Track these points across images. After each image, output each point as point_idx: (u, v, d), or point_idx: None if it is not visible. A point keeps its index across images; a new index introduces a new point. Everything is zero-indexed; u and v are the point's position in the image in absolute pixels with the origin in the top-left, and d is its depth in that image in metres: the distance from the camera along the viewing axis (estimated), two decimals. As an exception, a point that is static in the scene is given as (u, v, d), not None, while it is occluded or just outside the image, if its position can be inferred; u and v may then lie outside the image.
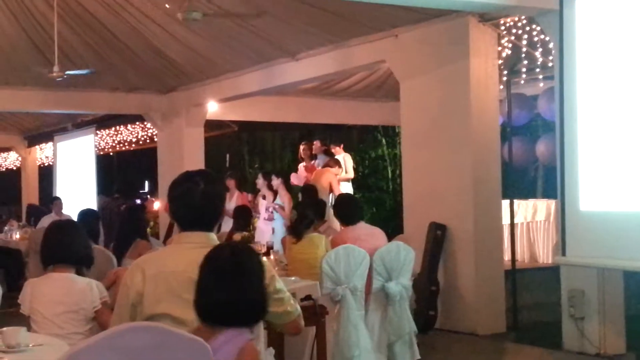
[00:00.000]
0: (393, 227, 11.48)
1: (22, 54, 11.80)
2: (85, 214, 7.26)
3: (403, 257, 6.62)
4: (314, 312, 5.14)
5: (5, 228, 14.59)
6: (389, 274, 6.54)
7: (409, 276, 6.70)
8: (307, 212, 6.75)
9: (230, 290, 2.78)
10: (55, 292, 4.28)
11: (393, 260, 6.55)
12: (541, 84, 10.25)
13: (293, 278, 5.74)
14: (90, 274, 4.66)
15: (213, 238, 3.26)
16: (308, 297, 5.22)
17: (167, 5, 9.76)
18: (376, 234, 6.82)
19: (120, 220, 7.49)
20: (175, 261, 3.18)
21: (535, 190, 12.56)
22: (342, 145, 12.94)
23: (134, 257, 6.66)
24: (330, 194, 11.52)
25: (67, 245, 4.44)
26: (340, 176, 12.17)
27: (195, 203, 3.24)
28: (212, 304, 2.79)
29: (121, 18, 10.47)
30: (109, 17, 10.48)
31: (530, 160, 12.25)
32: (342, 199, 7.25)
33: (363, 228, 6.76)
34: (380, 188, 16.20)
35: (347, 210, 6.81)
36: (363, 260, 6.35)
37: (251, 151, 18.84)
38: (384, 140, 16.34)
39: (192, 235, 3.24)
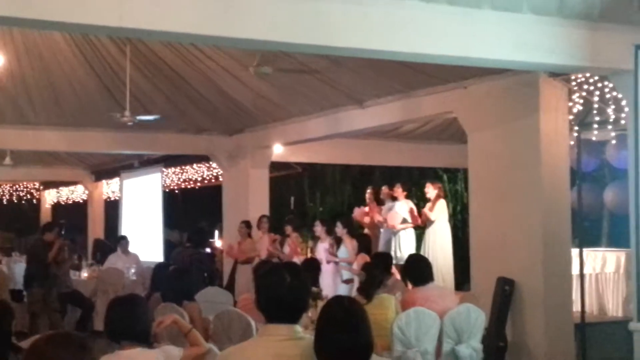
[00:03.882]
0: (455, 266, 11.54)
1: (94, 98, 12.09)
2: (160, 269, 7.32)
3: (473, 319, 6.61)
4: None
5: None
6: (459, 336, 6.52)
7: (480, 338, 6.67)
8: (375, 272, 6.76)
9: (358, 331, 3.24)
10: None
11: (463, 322, 6.54)
12: (610, 131, 10.12)
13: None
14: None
15: (298, 330, 3.31)
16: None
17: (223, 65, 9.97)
18: (446, 295, 6.82)
19: (167, 281, 7.46)
20: (261, 354, 3.25)
21: (600, 238, 12.37)
22: (405, 194, 12.66)
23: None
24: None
25: (133, 321, 4.36)
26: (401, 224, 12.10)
27: (281, 296, 3.30)
28: (343, 346, 3.17)
29: (190, 64, 10.66)
30: (179, 62, 10.68)
31: (597, 207, 12.07)
32: (412, 259, 7.23)
33: (433, 289, 6.75)
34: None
35: (417, 270, 6.80)
36: (434, 323, 6.36)
37: (312, 184, 18.92)
38: (445, 177, 16.27)
39: (277, 328, 3.30)
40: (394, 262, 10.89)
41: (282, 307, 3.30)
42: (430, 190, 11.87)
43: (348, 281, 11.05)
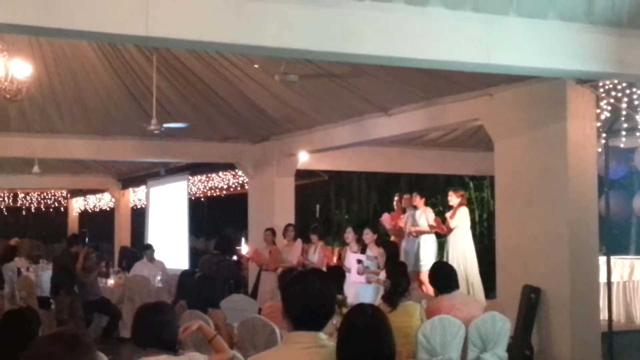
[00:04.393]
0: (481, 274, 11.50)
1: (121, 106, 12.20)
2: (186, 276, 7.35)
3: (499, 327, 6.57)
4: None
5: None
6: (485, 344, 6.49)
7: (505, 346, 6.63)
8: (400, 280, 6.74)
9: (381, 339, 3.23)
10: None
11: (488, 330, 6.51)
12: (638, 138, 10.03)
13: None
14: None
15: (322, 338, 3.30)
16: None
17: (255, 65, 9.97)
18: (471, 303, 6.78)
19: (192, 289, 7.50)
20: None
21: (628, 246, 12.25)
22: (423, 200, 12.70)
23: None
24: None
25: (160, 328, 4.38)
26: (419, 227, 12.13)
27: (309, 302, 3.30)
28: (365, 354, 3.17)
29: (216, 72, 10.70)
30: (205, 71, 10.73)
31: (625, 215, 11.97)
32: (437, 267, 7.21)
33: (458, 297, 6.72)
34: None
35: (442, 278, 6.77)
36: (459, 331, 6.32)
37: (337, 193, 18.94)
38: (471, 184, 16.21)
39: (302, 335, 3.29)
40: (415, 269, 10.92)
41: (309, 313, 3.29)
42: (453, 199, 11.90)
43: (369, 277, 10.95)
